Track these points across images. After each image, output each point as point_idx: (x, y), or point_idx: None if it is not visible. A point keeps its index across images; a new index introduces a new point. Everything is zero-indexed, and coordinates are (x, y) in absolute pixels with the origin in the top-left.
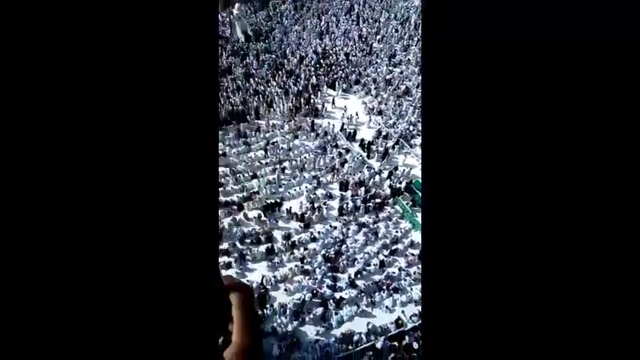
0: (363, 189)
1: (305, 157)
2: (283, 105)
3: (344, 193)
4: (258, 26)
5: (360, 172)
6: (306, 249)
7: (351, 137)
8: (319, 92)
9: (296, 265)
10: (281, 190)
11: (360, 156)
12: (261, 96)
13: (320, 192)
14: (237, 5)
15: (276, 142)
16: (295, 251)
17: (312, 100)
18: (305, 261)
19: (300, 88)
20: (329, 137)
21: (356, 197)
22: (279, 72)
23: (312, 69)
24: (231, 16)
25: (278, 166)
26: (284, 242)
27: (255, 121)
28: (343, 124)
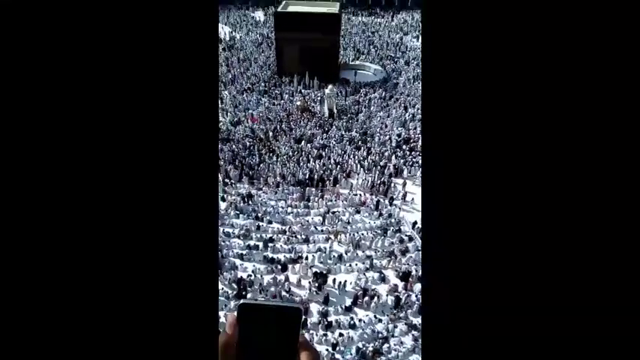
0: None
1: (363, 234)
2: (362, 179)
3: (400, 283)
4: (345, 107)
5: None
6: (341, 334)
7: None
8: (396, 174)
9: (327, 350)
10: (330, 261)
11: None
12: (340, 167)
13: (370, 275)
14: (330, 87)
15: (337, 212)
16: (329, 334)
17: (390, 181)
18: (337, 349)
19: (381, 165)
20: (393, 220)
21: (411, 292)
22: (360, 149)
23: (392, 150)
24: (324, 94)
25: (332, 237)
26: (320, 319)
27: (324, 188)
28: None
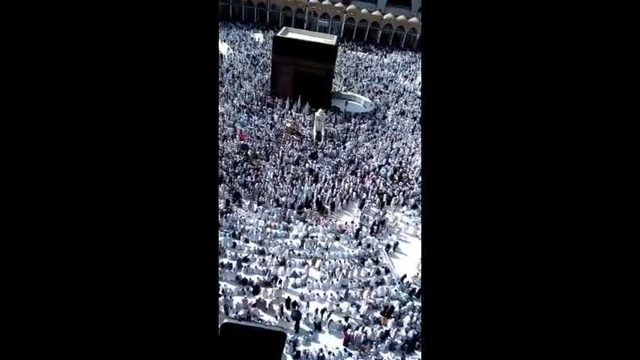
0: (391, 321)
1: (339, 262)
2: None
3: (377, 316)
4: (334, 133)
5: (394, 301)
6: None
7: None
8: (387, 202)
9: None
10: (304, 287)
11: (401, 285)
12: (337, 192)
13: (345, 305)
14: (320, 110)
15: (316, 237)
16: None
17: (383, 210)
18: None
19: (372, 188)
20: (371, 250)
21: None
22: (352, 175)
23: (383, 180)
24: (314, 116)
25: (309, 262)
26: (286, 346)
27: (315, 212)
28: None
